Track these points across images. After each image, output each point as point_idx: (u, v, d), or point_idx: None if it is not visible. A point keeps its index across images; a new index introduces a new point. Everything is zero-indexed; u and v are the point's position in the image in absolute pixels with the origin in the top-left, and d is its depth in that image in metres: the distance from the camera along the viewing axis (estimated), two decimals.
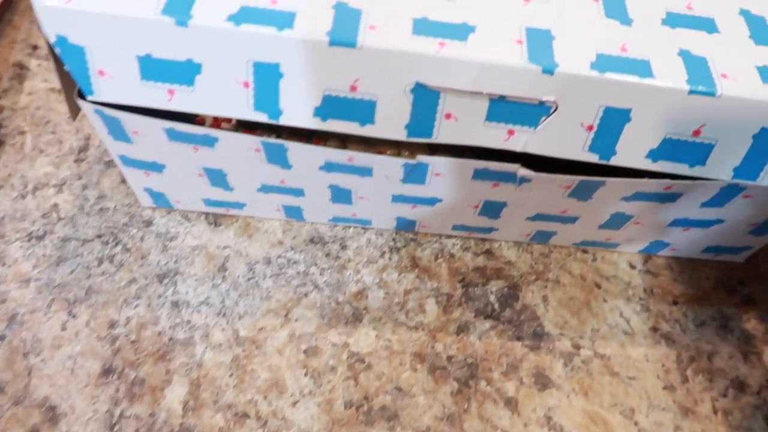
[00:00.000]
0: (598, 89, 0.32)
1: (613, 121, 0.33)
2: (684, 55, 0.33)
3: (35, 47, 0.57)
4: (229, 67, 0.32)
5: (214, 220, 0.49)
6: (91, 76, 0.33)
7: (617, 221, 0.44)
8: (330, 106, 0.33)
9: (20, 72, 0.55)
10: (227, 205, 0.47)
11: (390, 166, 0.39)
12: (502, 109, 0.33)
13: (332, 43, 0.31)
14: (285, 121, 0.34)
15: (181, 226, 0.48)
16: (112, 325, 0.43)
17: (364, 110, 0.33)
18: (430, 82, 0.32)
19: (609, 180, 0.38)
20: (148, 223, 0.48)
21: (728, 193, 0.39)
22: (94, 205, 0.49)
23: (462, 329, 0.45)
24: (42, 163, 0.51)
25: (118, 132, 0.39)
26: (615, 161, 0.35)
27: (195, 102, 0.34)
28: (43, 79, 0.55)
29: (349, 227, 0.49)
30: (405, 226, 0.48)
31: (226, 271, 0.46)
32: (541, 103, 0.33)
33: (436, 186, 0.41)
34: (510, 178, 0.39)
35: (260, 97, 0.33)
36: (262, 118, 0.34)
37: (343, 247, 0.48)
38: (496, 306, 0.46)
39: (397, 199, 0.43)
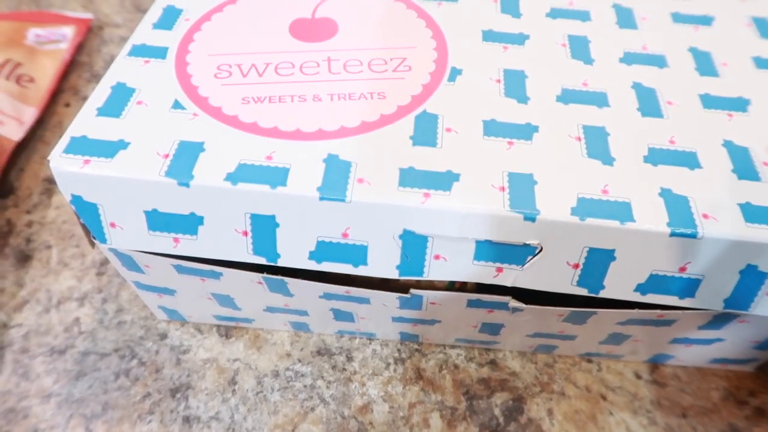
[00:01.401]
0: (579, 233, 0.33)
1: (598, 260, 0.34)
2: (665, 194, 0.34)
3: None
4: (229, 219, 0.34)
5: (225, 332, 0.51)
6: (104, 227, 0.36)
7: (616, 339, 0.44)
8: (324, 251, 0.35)
9: (49, 187, 0.59)
10: (237, 320, 0.49)
11: (385, 298, 0.40)
12: (489, 249, 0.35)
13: (322, 199, 0.33)
14: (283, 263, 0.36)
15: (193, 339, 0.50)
16: None
17: (357, 254, 0.35)
18: (418, 229, 0.34)
19: (600, 311, 0.39)
20: (163, 336, 0.50)
21: (723, 319, 0.39)
22: (113, 318, 0.51)
23: None
24: (66, 276, 0.54)
25: (131, 265, 0.41)
26: (604, 294, 0.36)
27: (198, 248, 0.36)
28: None
29: (355, 338, 0.50)
30: (409, 338, 0.49)
31: (235, 384, 0.48)
32: (526, 245, 0.34)
33: (433, 311, 0.42)
34: (503, 306, 0.40)
35: (258, 244, 0.35)
36: (261, 260, 0.36)
37: (349, 359, 0.49)
38: (501, 420, 0.46)
39: (397, 320, 0.44)
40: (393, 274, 0.36)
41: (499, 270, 0.36)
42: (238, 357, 0.49)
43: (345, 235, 0.35)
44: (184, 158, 0.34)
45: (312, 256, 0.36)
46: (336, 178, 0.33)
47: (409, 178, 0.34)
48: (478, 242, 0.34)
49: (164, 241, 0.36)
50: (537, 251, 0.34)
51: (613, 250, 0.34)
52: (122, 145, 0.34)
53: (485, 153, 0.35)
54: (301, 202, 0.33)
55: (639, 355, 0.48)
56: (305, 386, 0.48)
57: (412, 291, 0.39)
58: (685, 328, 0.41)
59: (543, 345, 0.47)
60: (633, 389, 0.48)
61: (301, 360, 0.49)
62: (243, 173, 0.33)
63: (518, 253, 0.35)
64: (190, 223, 0.35)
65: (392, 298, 0.40)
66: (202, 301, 0.45)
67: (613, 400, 0.47)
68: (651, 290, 0.36)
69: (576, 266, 0.35)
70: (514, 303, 0.39)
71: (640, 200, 0.34)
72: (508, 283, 0.36)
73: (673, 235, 0.33)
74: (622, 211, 0.33)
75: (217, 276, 0.40)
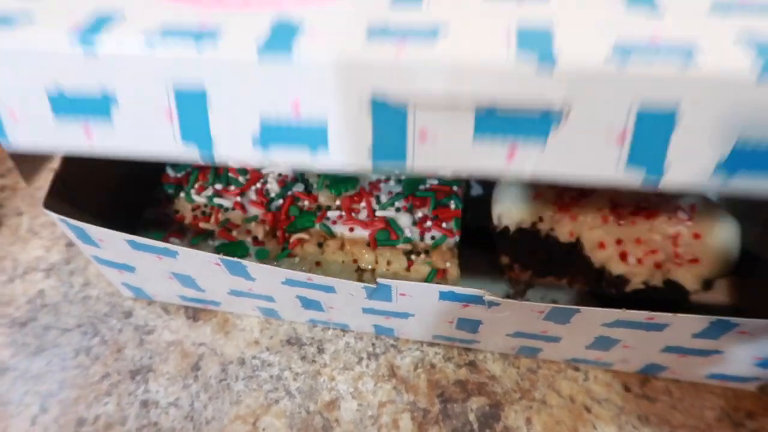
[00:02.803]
0: (621, 86, 0.24)
1: (653, 126, 0.25)
2: (745, 37, 0.24)
3: None
4: (148, 97, 0.28)
5: (193, 315, 0.48)
6: (2, 118, 0.30)
7: (604, 344, 0.41)
8: (271, 134, 0.28)
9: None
10: (203, 302, 0.46)
11: (350, 287, 0.37)
12: (494, 120, 0.26)
13: (261, 61, 0.26)
14: (219, 152, 0.29)
15: (159, 319, 0.48)
16: (81, 423, 0.43)
17: (313, 135, 0.28)
18: (392, 93, 0.26)
19: (584, 309, 0.36)
20: (128, 314, 0.48)
21: (720, 327, 0.36)
22: (79, 292, 0.49)
23: None
24: (34, 246, 0.51)
25: (86, 238, 0.39)
26: (669, 181, 0.26)
27: (115, 139, 0.29)
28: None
29: (328, 329, 0.47)
30: (383, 332, 0.46)
31: (198, 370, 0.45)
32: (546, 111, 0.25)
33: (404, 303, 0.39)
34: (478, 300, 0.37)
35: (187, 128, 0.29)
36: (192, 150, 0.29)
37: (320, 351, 0.46)
38: (476, 426, 0.43)
39: (368, 311, 0.42)
40: (364, 164, 0.28)
41: (512, 150, 0.26)
42: (204, 341, 0.47)
43: (296, 110, 0.27)
44: (95, 28, 0.27)
45: (256, 142, 0.28)
46: (281, 39, 0.26)
47: (380, 32, 0.25)
48: (478, 111, 0.25)
49: (74, 132, 0.29)
50: (563, 116, 0.25)
51: (673, 111, 0.24)
52: (24, 15, 0.28)
53: (486, 6, 0.27)
54: (235, 67, 0.26)
55: (630, 365, 0.44)
56: (271, 377, 0.45)
57: (379, 280, 0.36)
58: (678, 334, 0.37)
59: (526, 347, 0.44)
60: (620, 402, 0.44)
61: (269, 348, 0.47)
62: (165, 40, 0.26)
63: (536, 123, 0.25)
64: (101, 105, 0.28)
65: (357, 287, 0.37)
66: (165, 280, 0.43)
67: (598, 413, 0.44)
68: (741, 167, 0.25)
69: (621, 138, 0.25)
70: (489, 297, 0.35)
71: (708, 43, 0.24)
72: (527, 172, 0.27)
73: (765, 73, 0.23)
74: (683, 53, 0.23)
75: (173, 254, 0.38)
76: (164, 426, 0.43)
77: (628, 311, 0.35)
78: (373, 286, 0.36)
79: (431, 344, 0.47)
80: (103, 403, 0.44)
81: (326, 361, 0.46)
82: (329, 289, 0.38)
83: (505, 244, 0.47)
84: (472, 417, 0.44)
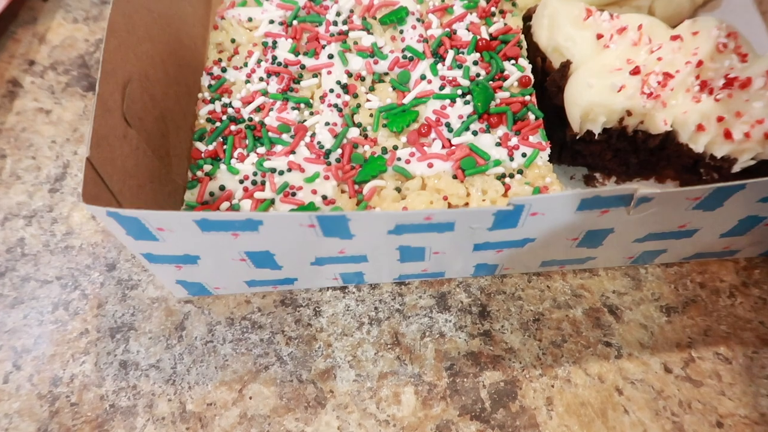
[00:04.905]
0: None
1: None
2: None
3: (32, 62, 0.54)
4: None
5: None
6: None
7: (745, 226, 0.37)
8: None
9: (13, 89, 0.53)
10: (274, 283, 0.41)
11: (477, 216, 0.32)
12: None
13: None
14: None
15: (144, 274, 0.44)
16: (55, 382, 0.40)
17: None
18: None
19: (750, 182, 0.31)
20: (111, 267, 0.44)
21: None
22: (60, 242, 0.45)
23: (441, 430, 0.37)
24: (17, 191, 0.48)
25: (140, 231, 0.33)
26: None
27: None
28: (33, 98, 0.52)
29: (327, 290, 0.42)
30: (485, 271, 0.41)
31: (183, 330, 0.41)
32: None
33: (530, 227, 0.34)
34: (624, 201, 0.32)
35: None
36: None
37: (317, 313, 0.42)
38: (488, 404, 0.38)
39: (481, 247, 0.37)
40: None
41: None
42: (191, 299, 0.42)
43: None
44: None
45: None
46: None
47: None
48: None
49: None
50: None
51: None
52: None
53: None
54: None
55: (761, 246, 0.40)
56: (262, 340, 0.41)
57: (513, 200, 0.31)
58: None
59: (648, 252, 0.40)
60: (659, 385, 0.38)
61: (261, 309, 0.42)
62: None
63: None
64: None
65: (487, 215, 0.32)
66: (234, 264, 0.37)
67: (631, 396, 0.38)
68: None
69: None
70: (643, 191, 0.31)
71: None
72: None
73: None
74: None
75: (255, 226, 0.32)
76: (144, 389, 0.39)
77: None
78: (508, 208, 0.31)
79: (442, 311, 0.41)
80: (80, 362, 0.40)
81: (323, 325, 0.41)
82: (447, 228, 0.34)
83: (588, 152, 0.43)
84: (484, 394, 0.38)
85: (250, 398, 0.39)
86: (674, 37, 0.41)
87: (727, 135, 0.38)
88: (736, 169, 0.39)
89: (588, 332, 0.40)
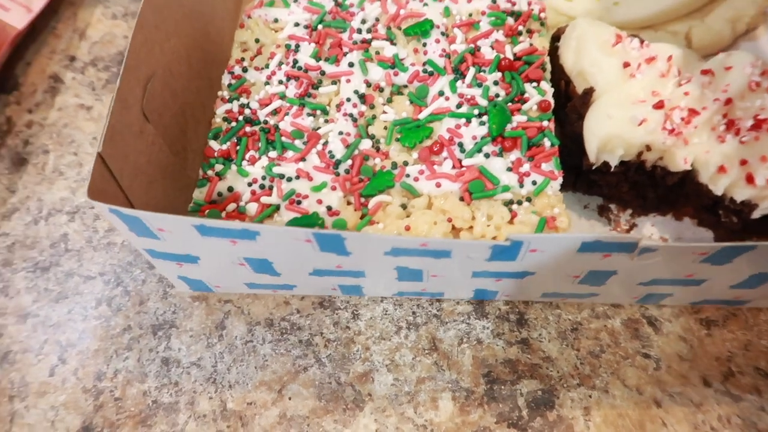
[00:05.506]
0: None
1: None
2: None
3: (73, 58, 0.55)
4: None
5: None
6: None
7: (755, 281, 0.36)
8: None
9: (54, 85, 0.53)
10: (274, 287, 0.42)
11: (474, 248, 0.32)
12: None
13: None
14: None
15: None
16: (99, 377, 0.40)
17: None
18: None
19: (762, 245, 0.30)
20: (152, 266, 0.45)
21: None
22: (103, 238, 0.46)
23: None
24: (60, 186, 0.48)
25: (141, 229, 0.34)
26: None
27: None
28: (74, 94, 0.53)
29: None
30: (485, 296, 0.41)
31: (224, 329, 0.42)
32: None
33: (529, 261, 0.34)
34: (627, 248, 0.32)
35: None
36: None
37: (355, 316, 0.42)
38: (525, 413, 0.38)
39: (480, 275, 0.36)
40: None
41: None
42: (231, 299, 0.43)
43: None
44: None
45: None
46: None
47: None
48: None
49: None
50: None
51: None
52: None
53: None
54: None
55: None
56: (301, 341, 0.41)
57: (511, 236, 0.31)
58: None
59: (652, 294, 0.39)
60: (698, 398, 0.38)
61: (300, 311, 0.42)
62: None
63: None
64: None
65: (483, 247, 0.32)
66: (234, 267, 0.38)
67: (670, 409, 0.38)
68: None
69: None
70: (646, 242, 0.31)
71: None
72: None
73: None
74: None
75: (252, 236, 0.33)
76: (185, 386, 0.40)
77: None
78: (505, 243, 0.31)
79: (480, 318, 0.41)
80: (123, 358, 0.41)
81: (361, 328, 0.42)
82: (443, 254, 0.33)
83: (604, 182, 0.42)
84: (521, 402, 0.39)
85: (290, 399, 0.39)
86: (705, 72, 0.40)
87: (749, 179, 0.37)
88: (756, 215, 0.38)
89: (626, 343, 0.40)
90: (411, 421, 0.38)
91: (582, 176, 0.44)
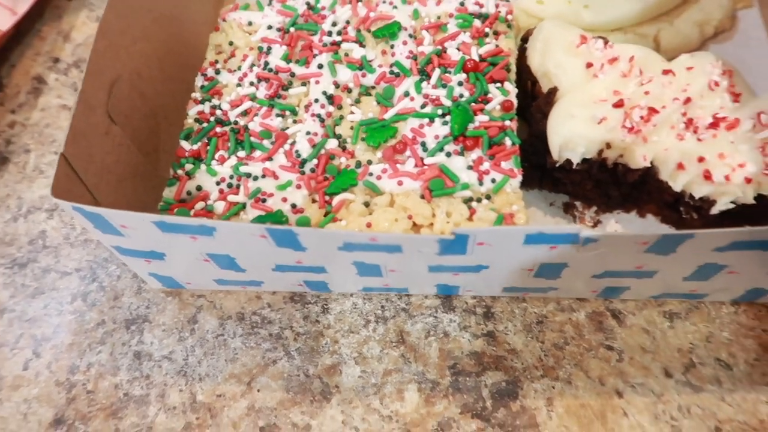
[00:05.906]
0: None
1: None
2: None
3: (56, 60, 0.56)
4: None
5: None
6: None
7: (706, 273, 0.36)
8: None
9: (38, 86, 0.55)
10: (243, 284, 0.42)
11: (422, 243, 0.33)
12: None
13: None
14: None
15: None
16: (72, 370, 0.41)
17: None
18: None
19: (699, 233, 0.31)
20: None
21: None
22: (80, 235, 0.47)
23: (443, 427, 0.38)
24: (40, 185, 0.49)
25: (106, 226, 0.35)
26: None
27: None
28: (57, 95, 0.54)
29: None
30: (447, 290, 0.42)
31: (196, 324, 0.43)
32: None
33: (480, 255, 0.35)
34: (570, 239, 0.32)
35: None
36: None
37: (325, 310, 0.43)
38: (489, 403, 0.39)
39: (435, 269, 0.37)
40: None
41: None
42: (204, 294, 0.44)
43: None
44: None
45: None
46: None
47: None
48: None
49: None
50: None
51: None
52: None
53: None
54: None
55: (729, 293, 0.40)
56: (271, 335, 0.42)
57: (455, 230, 0.32)
58: None
59: (611, 287, 0.40)
60: (659, 389, 0.39)
61: (271, 305, 0.43)
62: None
63: None
64: None
65: (430, 242, 0.33)
66: (199, 264, 0.39)
67: (631, 400, 0.38)
68: None
69: None
70: (586, 233, 0.31)
71: None
72: None
73: None
74: None
75: (209, 232, 0.34)
76: (156, 379, 0.41)
77: (754, 229, 0.31)
78: (449, 237, 0.32)
79: (447, 311, 0.42)
80: (96, 351, 0.42)
81: (330, 322, 0.42)
82: (394, 249, 0.34)
83: (568, 180, 0.43)
84: (485, 393, 0.39)
85: (258, 391, 0.40)
86: (666, 71, 0.41)
87: (707, 176, 0.38)
88: (714, 211, 0.39)
89: (590, 335, 0.41)
90: (377, 412, 0.39)
91: (547, 174, 0.44)
